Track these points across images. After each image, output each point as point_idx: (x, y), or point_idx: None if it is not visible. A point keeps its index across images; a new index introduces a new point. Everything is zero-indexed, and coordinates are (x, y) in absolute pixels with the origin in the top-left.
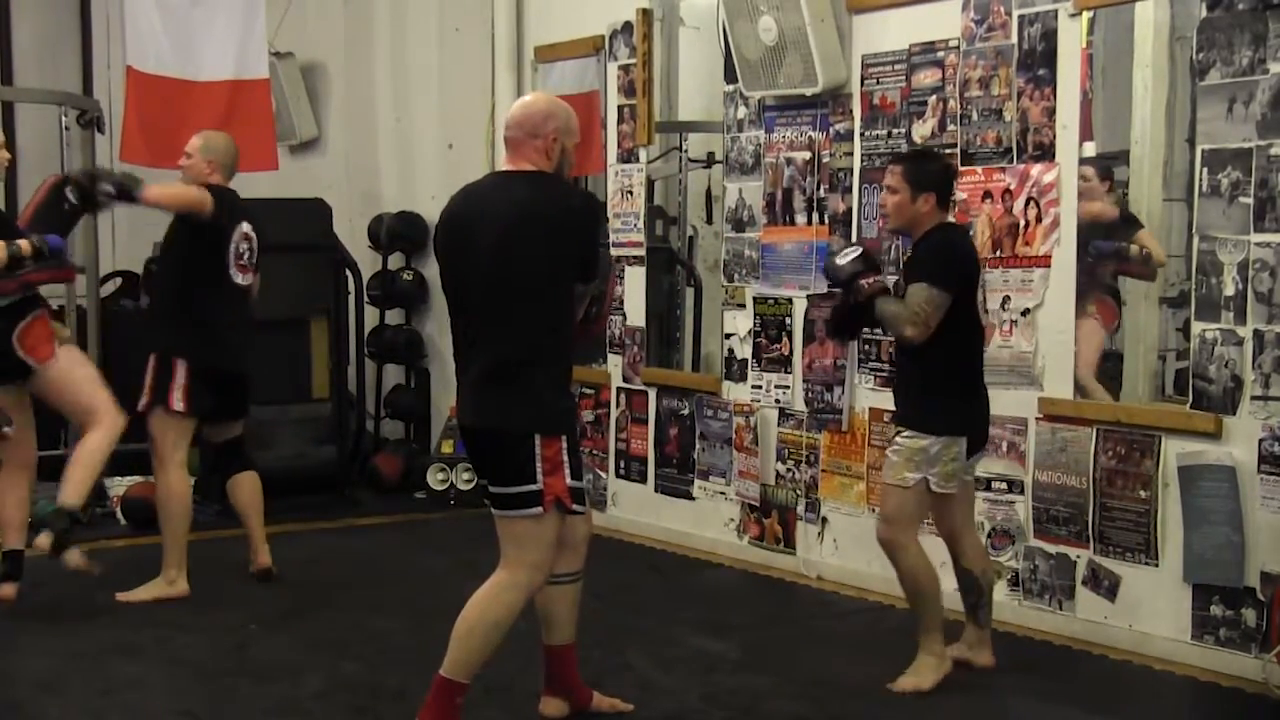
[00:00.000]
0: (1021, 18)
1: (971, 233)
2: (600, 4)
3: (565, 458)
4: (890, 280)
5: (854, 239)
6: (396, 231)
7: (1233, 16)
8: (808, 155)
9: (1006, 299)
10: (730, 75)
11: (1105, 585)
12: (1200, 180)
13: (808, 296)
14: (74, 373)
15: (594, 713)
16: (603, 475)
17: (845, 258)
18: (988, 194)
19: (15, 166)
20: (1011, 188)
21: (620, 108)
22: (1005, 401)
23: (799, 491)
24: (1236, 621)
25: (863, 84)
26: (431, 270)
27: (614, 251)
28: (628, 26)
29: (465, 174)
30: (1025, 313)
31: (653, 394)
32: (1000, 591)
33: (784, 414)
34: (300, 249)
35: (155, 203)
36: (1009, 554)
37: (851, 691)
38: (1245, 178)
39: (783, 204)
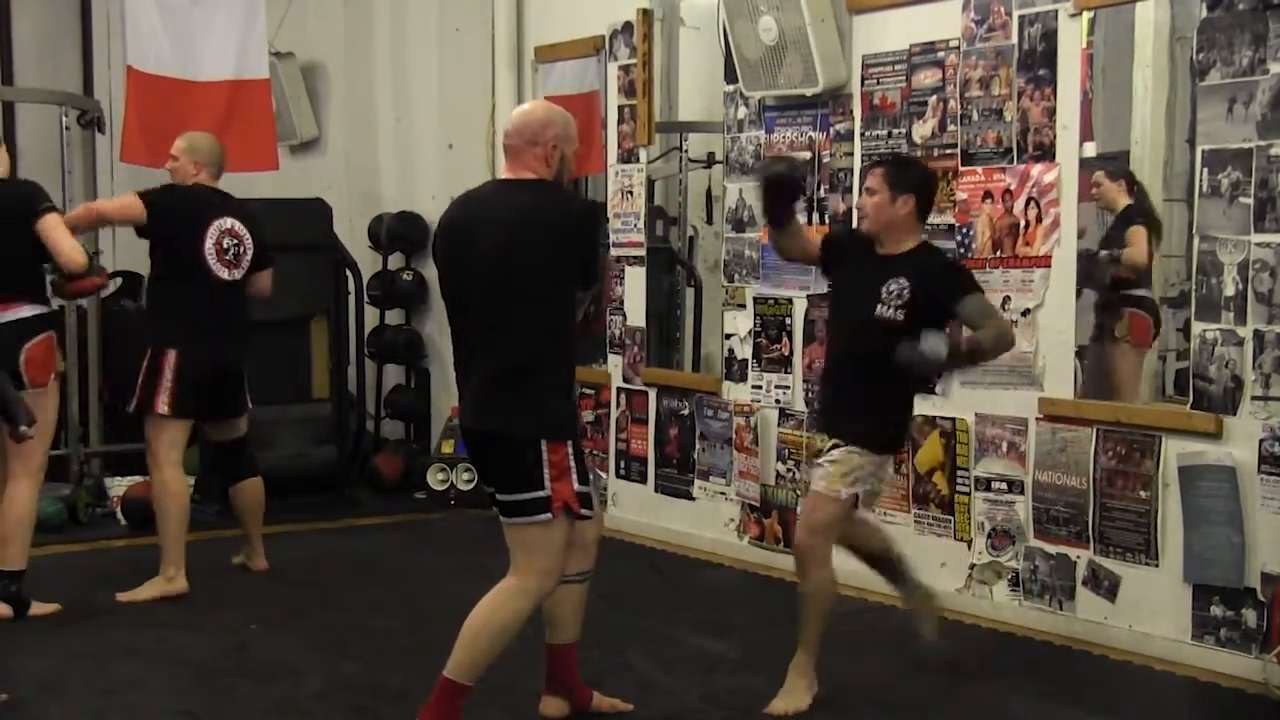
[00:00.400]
0: (1022, 18)
1: (971, 233)
2: (600, 4)
3: (572, 463)
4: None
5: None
6: (397, 232)
7: (1233, 17)
8: (808, 155)
9: (1007, 299)
10: (730, 75)
11: (1105, 585)
12: (1200, 180)
13: (808, 296)
14: (41, 415)
15: (594, 713)
16: (603, 475)
17: (930, 347)
18: (988, 194)
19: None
20: (1012, 188)
21: (620, 108)
22: (1005, 401)
23: (799, 492)
24: (1237, 622)
25: (863, 84)
26: (432, 270)
27: (614, 251)
28: (628, 27)
29: (465, 174)
30: (1026, 313)
31: (653, 394)
32: (1001, 592)
33: (784, 414)
34: (300, 249)
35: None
36: (1009, 554)
37: (851, 692)
38: (1245, 178)
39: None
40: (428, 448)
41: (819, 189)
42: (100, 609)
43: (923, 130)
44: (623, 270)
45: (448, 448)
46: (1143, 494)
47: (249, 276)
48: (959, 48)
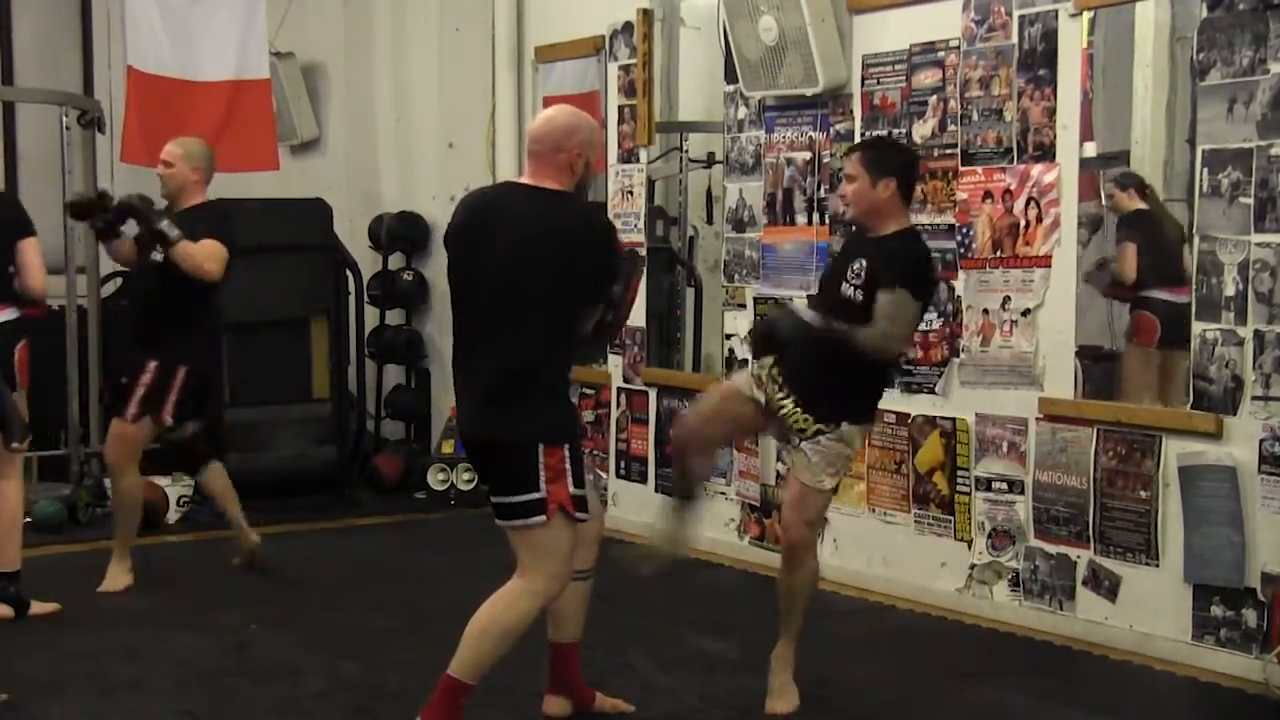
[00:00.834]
0: (1022, 18)
1: (971, 233)
2: (600, 4)
3: (568, 465)
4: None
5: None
6: (397, 232)
7: (1233, 16)
8: (808, 155)
9: (1007, 299)
10: (731, 75)
11: (1105, 586)
12: (1200, 180)
13: (808, 296)
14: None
15: (595, 713)
16: (603, 475)
17: (798, 313)
18: (988, 194)
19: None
20: (1012, 188)
21: (620, 108)
22: (1006, 401)
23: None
24: (1237, 622)
25: (863, 84)
26: (432, 270)
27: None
28: (628, 27)
29: (466, 174)
30: (1026, 313)
31: (653, 394)
32: (1001, 592)
33: None
34: (301, 249)
35: (180, 258)
36: (1009, 554)
37: (852, 692)
38: (1245, 178)
39: (783, 204)
40: (428, 448)
41: (819, 189)
42: (100, 609)
43: (923, 130)
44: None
45: (448, 448)
46: (1143, 494)
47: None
48: (959, 48)
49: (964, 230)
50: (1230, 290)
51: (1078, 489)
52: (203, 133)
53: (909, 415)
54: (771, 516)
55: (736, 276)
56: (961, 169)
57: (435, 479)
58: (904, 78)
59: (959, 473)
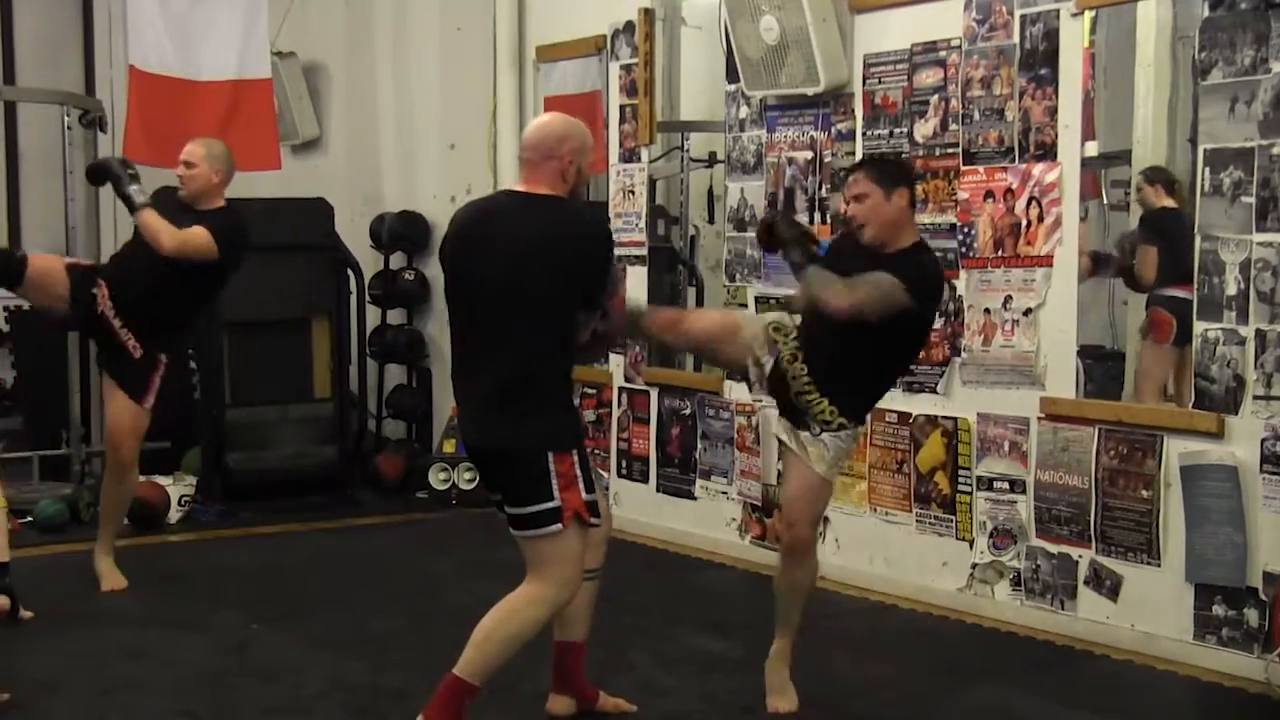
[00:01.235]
0: (1023, 17)
1: (973, 232)
2: (602, 4)
3: (578, 471)
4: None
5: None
6: (398, 231)
7: (1235, 16)
8: (809, 155)
9: (1008, 298)
10: (732, 75)
11: (1107, 585)
12: (1202, 180)
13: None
14: None
15: (598, 712)
16: (604, 475)
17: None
18: (989, 194)
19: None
20: (1013, 187)
21: (622, 107)
22: (1007, 401)
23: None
24: (1239, 622)
25: (864, 83)
26: (433, 270)
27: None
28: (629, 26)
29: (467, 174)
30: (1027, 312)
31: (654, 394)
32: (1002, 591)
33: None
34: (302, 249)
35: (141, 224)
36: (1011, 554)
37: (852, 691)
38: (1247, 177)
39: (784, 203)
40: (429, 447)
41: (820, 189)
42: (100, 609)
43: (924, 130)
44: (624, 269)
45: (449, 447)
46: (1144, 493)
47: None
48: (960, 47)
49: (965, 229)
50: (1232, 289)
51: (1079, 488)
52: (204, 132)
53: (910, 415)
54: (773, 516)
55: (738, 276)
56: (963, 168)
57: (437, 478)
58: (905, 77)
59: (960, 472)
